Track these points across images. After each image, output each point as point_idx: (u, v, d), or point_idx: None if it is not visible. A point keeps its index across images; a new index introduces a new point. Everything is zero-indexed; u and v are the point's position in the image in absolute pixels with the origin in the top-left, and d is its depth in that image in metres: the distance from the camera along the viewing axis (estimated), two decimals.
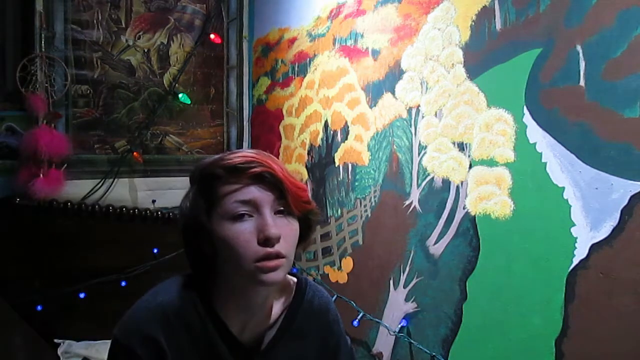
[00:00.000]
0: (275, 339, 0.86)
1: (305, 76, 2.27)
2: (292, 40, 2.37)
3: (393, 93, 1.75)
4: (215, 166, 0.80)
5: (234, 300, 0.83)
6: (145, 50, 2.52)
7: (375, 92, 1.84)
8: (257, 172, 0.78)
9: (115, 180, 2.45)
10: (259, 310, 0.85)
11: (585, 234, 1.15)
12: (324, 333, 0.93)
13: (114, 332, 0.79)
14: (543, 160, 1.25)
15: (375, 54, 1.84)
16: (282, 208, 0.79)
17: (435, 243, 1.58)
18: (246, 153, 0.80)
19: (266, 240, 0.76)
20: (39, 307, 2.18)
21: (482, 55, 1.42)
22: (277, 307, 0.89)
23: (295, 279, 0.93)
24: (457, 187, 1.50)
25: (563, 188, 1.20)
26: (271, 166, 0.79)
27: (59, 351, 2.16)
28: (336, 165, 2.06)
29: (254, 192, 0.78)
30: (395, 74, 1.74)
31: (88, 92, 2.42)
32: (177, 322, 0.79)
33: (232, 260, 0.78)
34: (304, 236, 0.85)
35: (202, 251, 0.82)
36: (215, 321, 0.81)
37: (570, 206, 1.19)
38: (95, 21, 2.38)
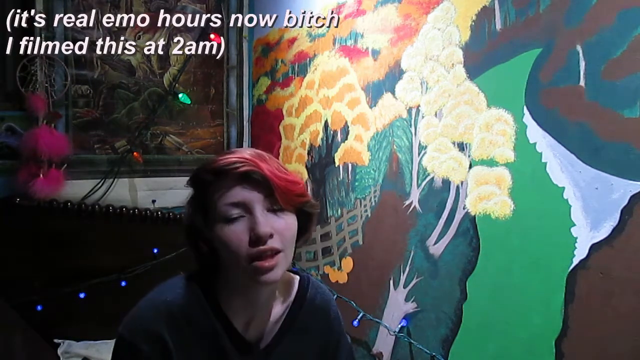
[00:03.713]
0: (278, 336, 0.87)
1: (305, 76, 2.27)
2: (292, 40, 2.37)
3: (393, 93, 1.75)
4: (205, 171, 0.80)
5: (238, 298, 0.83)
6: (145, 50, 2.52)
7: (375, 92, 1.84)
8: (241, 172, 0.77)
9: (115, 180, 2.45)
10: (262, 308, 0.86)
11: (585, 234, 1.15)
12: (325, 331, 0.94)
13: (118, 330, 0.79)
14: (543, 160, 1.25)
15: (375, 54, 1.84)
16: (273, 205, 0.79)
17: (435, 243, 1.58)
18: (235, 154, 0.80)
19: (257, 239, 0.76)
20: (39, 307, 2.17)
21: (482, 55, 1.42)
22: (280, 304, 0.90)
23: (297, 277, 0.94)
24: (457, 187, 1.50)
25: (563, 188, 1.20)
26: (257, 164, 0.78)
27: (59, 351, 2.16)
28: (336, 165, 2.06)
29: (241, 192, 0.78)
30: (395, 74, 1.74)
31: (88, 92, 2.42)
32: (183, 320, 0.80)
33: (230, 261, 0.79)
34: (304, 229, 0.85)
35: (202, 252, 0.84)
36: (220, 318, 0.82)
37: (570, 206, 1.19)
38: (95, 21, 2.38)
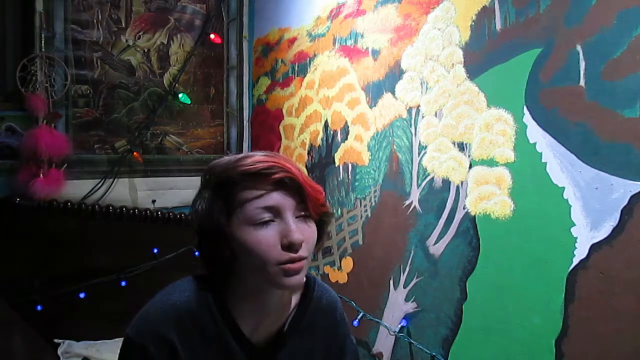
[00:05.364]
0: (284, 337, 0.87)
1: (305, 76, 2.27)
2: (292, 40, 2.37)
3: (393, 93, 1.75)
4: (235, 171, 0.78)
5: (248, 301, 0.83)
6: (145, 50, 2.52)
7: (375, 92, 1.84)
8: (279, 177, 0.77)
9: (115, 180, 2.45)
10: (273, 311, 0.85)
11: (585, 234, 1.15)
12: (331, 331, 0.94)
13: (126, 332, 0.79)
14: (543, 160, 1.25)
15: (375, 54, 1.84)
16: (302, 212, 0.80)
17: (435, 243, 1.58)
18: (264, 157, 0.79)
19: (290, 246, 0.76)
20: (39, 307, 2.17)
21: (482, 55, 1.42)
22: (287, 305, 0.89)
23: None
24: (457, 187, 1.50)
25: (563, 188, 1.20)
26: (291, 171, 0.79)
27: (59, 351, 2.15)
28: (336, 165, 2.06)
29: (276, 198, 0.77)
30: (395, 74, 1.74)
31: (88, 92, 2.43)
32: (190, 323, 0.79)
33: (254, 264, 0.78)
34: (320, 237, 0.85)
35: (218, 254, 0.82)
36: (228, 322, 0.82)
37: (570, 206, 1.19)
38: (95, 21, 2.39)
